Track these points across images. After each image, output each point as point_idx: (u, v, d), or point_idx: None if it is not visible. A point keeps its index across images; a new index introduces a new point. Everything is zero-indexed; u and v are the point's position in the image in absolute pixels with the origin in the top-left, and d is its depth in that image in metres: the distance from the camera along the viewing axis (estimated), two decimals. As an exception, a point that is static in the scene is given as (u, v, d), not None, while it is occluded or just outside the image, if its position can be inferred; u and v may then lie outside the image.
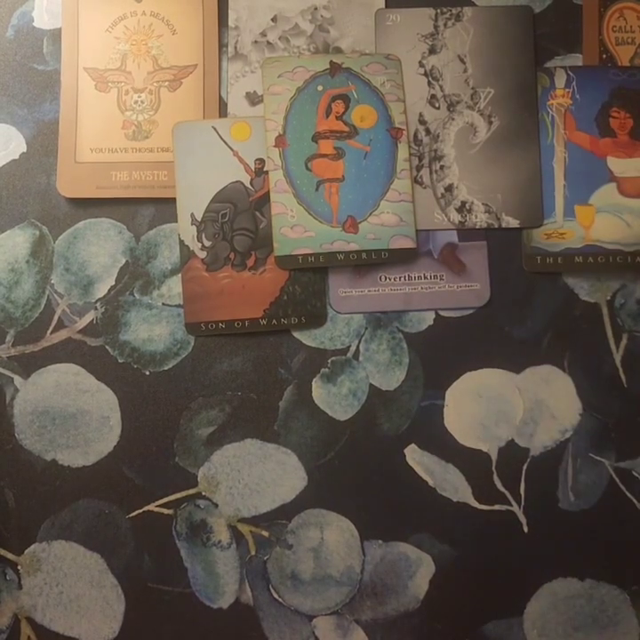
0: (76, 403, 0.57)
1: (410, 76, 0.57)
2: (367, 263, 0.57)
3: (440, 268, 0.57)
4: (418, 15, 0.58)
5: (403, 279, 0.57)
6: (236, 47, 0.59)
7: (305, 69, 0.57)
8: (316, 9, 0.58)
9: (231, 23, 0.59)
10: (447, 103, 0.57)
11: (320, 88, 0.57)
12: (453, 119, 0.57)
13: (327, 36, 0.57)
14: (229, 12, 0.59)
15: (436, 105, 0.57)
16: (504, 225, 0.57)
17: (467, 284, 0.57)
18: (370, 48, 0.58)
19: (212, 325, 0.57)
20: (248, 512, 0.57)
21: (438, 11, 0.58)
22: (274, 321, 0.57)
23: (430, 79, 0.57)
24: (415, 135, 0.57)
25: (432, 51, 0.57)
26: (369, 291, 0.57)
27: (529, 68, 0.57)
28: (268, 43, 0.58)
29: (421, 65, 0.57)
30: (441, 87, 0.57)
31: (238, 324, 0.57)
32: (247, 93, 0.58)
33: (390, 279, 0.57)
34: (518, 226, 0.57)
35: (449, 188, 0.57)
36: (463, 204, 0.57)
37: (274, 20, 0.58)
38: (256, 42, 0.59)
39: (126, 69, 0.59)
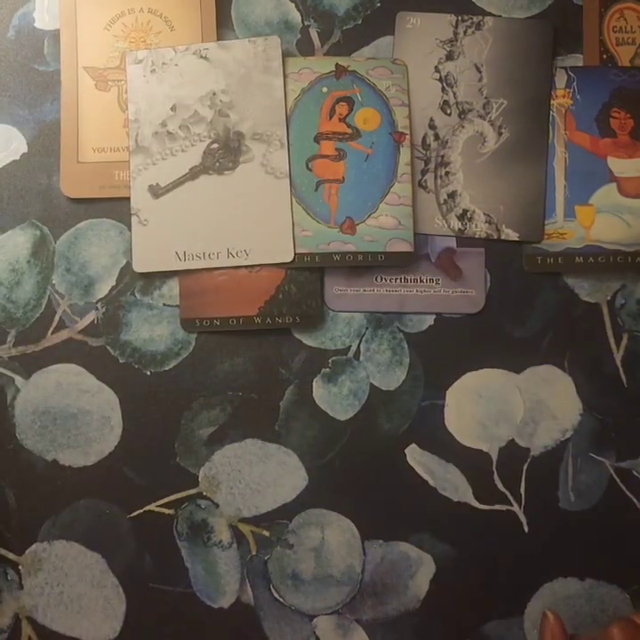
0: (76, 403, 0.57)
1: (424, 80, 0.57)
2: (363, 265, 0.56)
3: (436, 273, 0.57)
4: (438, 20, 0.57)
5: (398, 281, 0.57)
6: (136, 140, 0.57)
7: (310, 71, 0.57)
8: (214, 94, 0.56)
9: (131, 116, 0.57)
10: (459, 110, 0.57)
11: (325, 90, 0.57)
12: (463, 127, 0.57)
13: (227, 120, 0.56)
14: (129, 104, 0.57)
15: (448, 111, 0.57)
16: (503, 237, 0.57)
17: (462, 289, 0.57)
18: (270, 129, 0.56)
19: (206, 322, 0.57)
20: (249, 512, 0.57)
21: (459, 18, 0.57)
22: (268, 319, 0.57)
23: (444, 85, 0.57)
24: (424, 139, 0.57)
25: (449, 57, 0.57)
26: (364, 290, 0.57)
27: (544, 83, 0.57)
28: (169, 132, 0.56)
29: (437, 70, 0.57)
30: (454, 94, 0.57)
31: (233, 321, 0.57)
32: (150, 186, 0.56)
33: (386, 280, 0.57)
34: (517, 239, 0.57)
35: (452, 195, 0.57)
36: (465, 211, 0.57)
37: (173, 108, 0.56)
38: (156, 133, 0.57)
39: (126, 68, 0.58)
